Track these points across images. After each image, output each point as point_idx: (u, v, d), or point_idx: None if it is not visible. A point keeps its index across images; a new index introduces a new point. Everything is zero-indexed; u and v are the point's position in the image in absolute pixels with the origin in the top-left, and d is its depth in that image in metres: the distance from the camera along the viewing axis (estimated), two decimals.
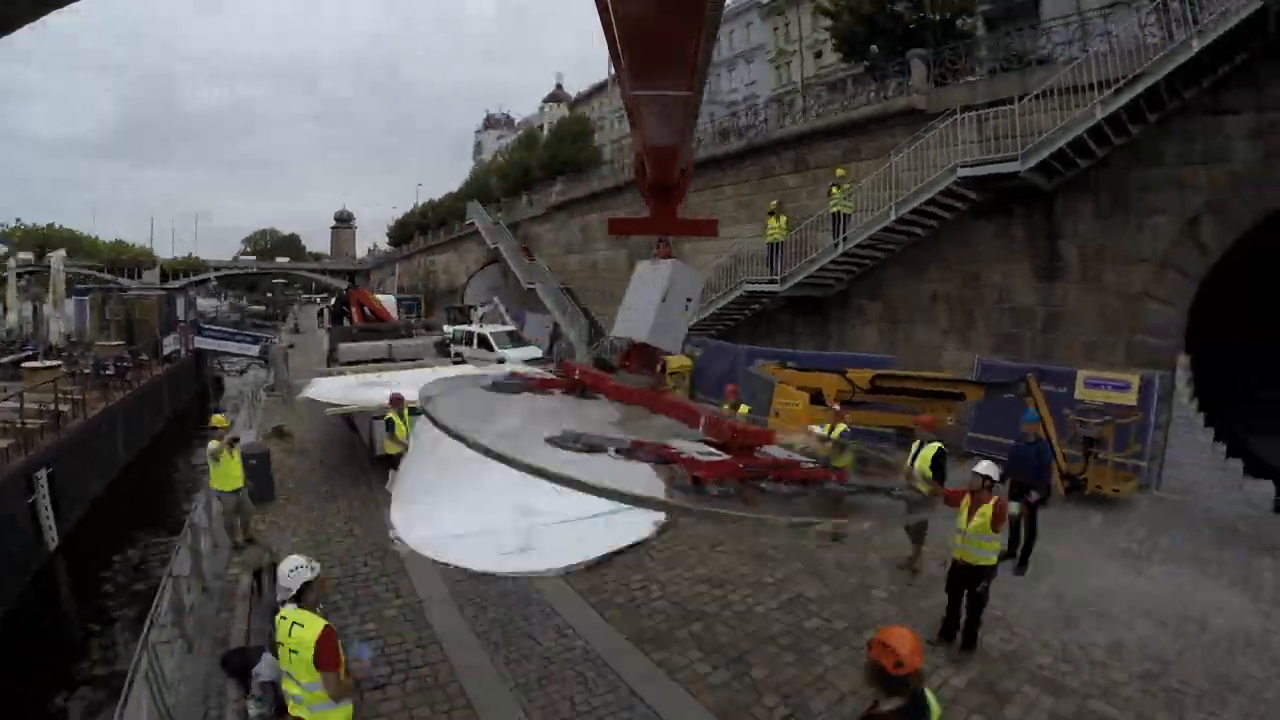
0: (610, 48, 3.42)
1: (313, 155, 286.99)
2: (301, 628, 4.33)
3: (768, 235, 17.65)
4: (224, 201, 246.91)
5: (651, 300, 6.31)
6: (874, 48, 21.77)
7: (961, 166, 14.21)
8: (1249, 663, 6.85)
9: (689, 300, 6.51)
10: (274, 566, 7.28)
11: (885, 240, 16.20)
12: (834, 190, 16.70)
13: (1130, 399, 12.23)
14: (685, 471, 5.16)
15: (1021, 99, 13.84)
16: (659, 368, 6.99)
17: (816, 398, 12.17)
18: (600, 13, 3.03)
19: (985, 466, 6.86)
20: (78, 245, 73.42)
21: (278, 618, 4.51)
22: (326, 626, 4.37)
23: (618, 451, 5.91)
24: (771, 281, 17.16)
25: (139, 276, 72.86)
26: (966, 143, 14.86)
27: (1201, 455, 11.85)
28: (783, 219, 17.79)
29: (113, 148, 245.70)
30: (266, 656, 5.54)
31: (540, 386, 8.11)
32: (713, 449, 5.45)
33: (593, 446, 5.89)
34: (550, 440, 6.03)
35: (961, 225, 15.57)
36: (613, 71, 50.01)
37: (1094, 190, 13.69)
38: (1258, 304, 13.39)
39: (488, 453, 5.18)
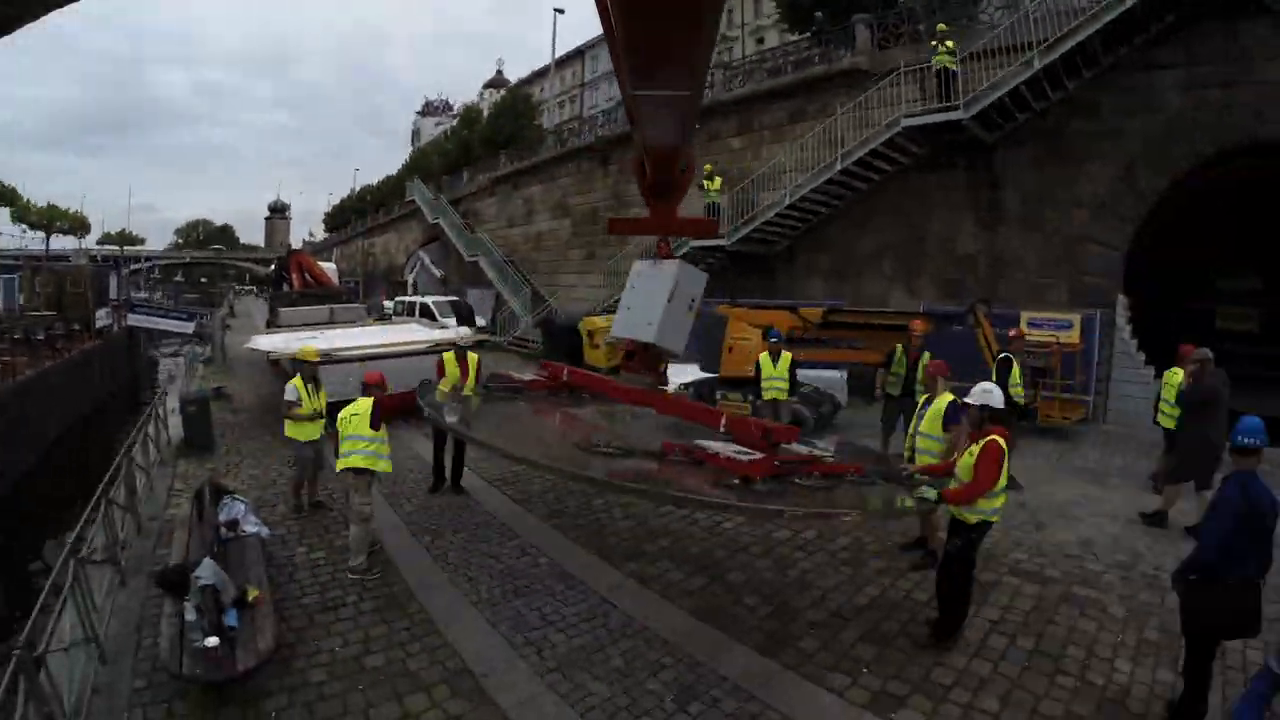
0: (611, 48, 3.39)
1: (249, 148, 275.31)
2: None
3: (706, 197, 17.62)
4: (158, 194, 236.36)
5: (657, 301, 6.24)
6: (818, 14, 21.86)
7: (906, 117, 14.39)
8: None
9: (693, 300, 6.44)
10: (216, 488, 6.88)
11: (830, 195, 16.33)
12: (705, 183, 17.23)
13: (1073, 337, 12.57)
14: (725, 471, 5.44)
15: (961, 60, 14.08)
16: (662, 368, 6.93)
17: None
18: (600, 14, 2.98)
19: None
20: (11, 200, 67.46)
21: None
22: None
23: (649, 454, 5.92)
24: (717, 238, 17.11)
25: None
26: (909, 101, 15.09)
27: (1145, 390, 12.25)
28: (717, 180, 17.90)
29: (55, 136, 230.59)
30: (207, 561, 5.15)
31: (529, 388, 8.46)
32: (743, 447, 5.78)
33: (624, 450, 5.88)
34: (579, 445, 6.03)
35: (905, 179, 15.79)
36: (557, 58, 49.60)
37: (1033, 141, 14.01)
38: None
39: (526, 461, 6.41)
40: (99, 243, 77.42)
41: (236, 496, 6.65)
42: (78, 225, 73.04)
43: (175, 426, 11.68)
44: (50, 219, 66.70)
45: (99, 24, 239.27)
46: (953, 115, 13.53)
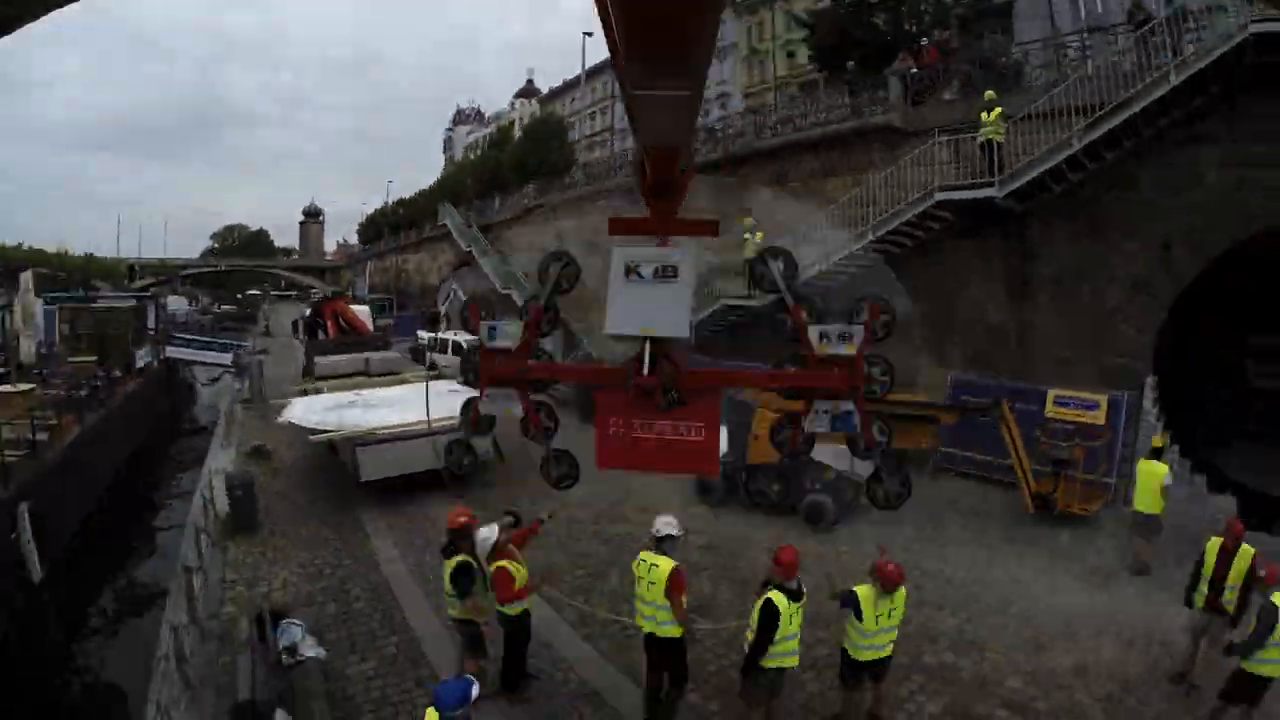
0: (610, 47, 3.49)
1: (315, 151, 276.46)
2: (657, 567, 5.97)
3: (746, 251, 17.79)
4: (222, 196, 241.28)
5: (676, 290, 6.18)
6: (850, 64, 21.96)
7: (939, 190, 14.43)
8: (1212, 682, 7.01)
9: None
10: (274, 613, 7.35)
11: (861, 258, 16.30)
12: (746, 238, 17.28)
13: (1099, 418, 12.62)
14: None
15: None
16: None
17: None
18: (600, 12, 3.07)
19: None
20: (44, 263, 69.82)
21: (635, 561, 6.19)
22: (677, 566, 6.02)
23: None
24: (749, 297, 17.32)
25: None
26: (942, 163, 15.10)
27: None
28: (759, 235, 17.96)
29: (127, 140, 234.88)
30: (280, 713, 5.58)
31: None
32: None
33: None
34: None
35: (937, 244, 15.73)
36: (586, 68, 49.23)
37: (1068, 213, 13.84)
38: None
39: None
40: (133, 269, 78.99)
41: (293, 621, 7.07)
42: (116, 270, 75.18)
43: (219, 492, 12.09)
44: (89, 268, 68.31)
45: (181, 27, 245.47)
46: (986, 193, 13.60)
